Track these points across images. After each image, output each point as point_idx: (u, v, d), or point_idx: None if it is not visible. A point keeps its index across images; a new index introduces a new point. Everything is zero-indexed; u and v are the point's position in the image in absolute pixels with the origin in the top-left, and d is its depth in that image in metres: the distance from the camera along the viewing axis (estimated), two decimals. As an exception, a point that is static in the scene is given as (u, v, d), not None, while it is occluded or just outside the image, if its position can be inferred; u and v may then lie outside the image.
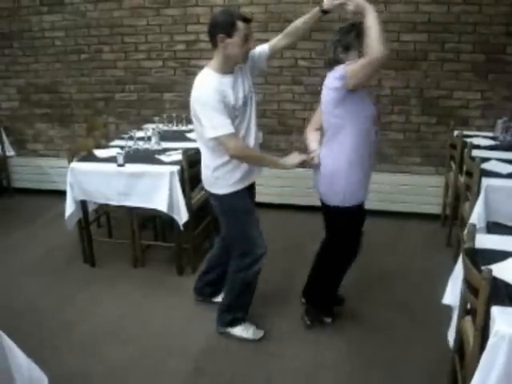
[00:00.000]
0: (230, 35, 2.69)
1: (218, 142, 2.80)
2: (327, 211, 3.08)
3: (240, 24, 2.70)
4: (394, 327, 3.32)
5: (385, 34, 2.62)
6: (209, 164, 2.98)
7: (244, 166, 2.96)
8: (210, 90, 2.73)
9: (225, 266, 3.35)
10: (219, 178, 2.96)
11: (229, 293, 3.25)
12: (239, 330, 3.28)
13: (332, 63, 2.86)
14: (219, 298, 3.50)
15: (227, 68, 2.81)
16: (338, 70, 2.76)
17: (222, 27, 2.69)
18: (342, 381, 2.88)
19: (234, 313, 3.26)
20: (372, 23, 2.59)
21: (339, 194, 2.94)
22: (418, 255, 4.27)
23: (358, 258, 3.21)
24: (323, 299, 3.37)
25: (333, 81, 2.79)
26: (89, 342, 3.25)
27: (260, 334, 3.29)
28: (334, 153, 2.92)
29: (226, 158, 2.87)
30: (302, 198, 5.05)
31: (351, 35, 2.79)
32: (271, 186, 5.04)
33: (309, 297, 3.41)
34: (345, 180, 2.90)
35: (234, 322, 3.28)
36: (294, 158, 3.03)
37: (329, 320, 3.36)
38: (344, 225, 3.07)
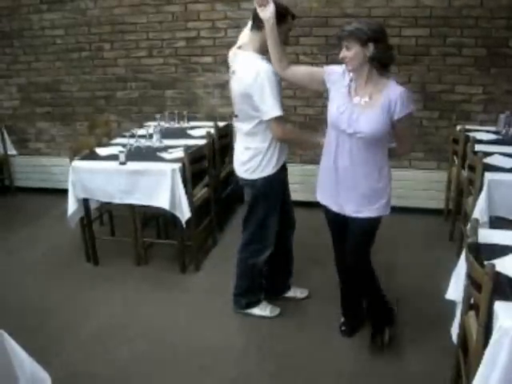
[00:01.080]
0: (279, 24, 2.78)
1: (268, 124, 2.89)
2: None
3: (289, 18, 2.88)
4: (396, 322, 3.30)
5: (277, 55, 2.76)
6: (258, 148, 3.02)
7: (280, 145, 3.05)
8: (267, 71, 2.81)
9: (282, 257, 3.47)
10: (264, 160, 3.03)
11: (240, 278, 3.38)
12: (257, 310, 3.44)
13: None
14: (291, 293, 3.61)
15: (264, 51, 2.90)
16: None
17: (275, 15, 2.76)
18: (346, 376, 2.87)
19: (248, 297, 3.42)
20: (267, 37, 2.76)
21: None
22: (421, 250, 4.26)
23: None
24: None
25: None
26: (92, 340, 3.25)
27: (276, 311, 3.45)
28: None
29: (271, 139, 2.98)
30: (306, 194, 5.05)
31: None
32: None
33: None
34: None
35: (250, 304, 3.44)
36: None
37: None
38: None
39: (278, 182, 3.13)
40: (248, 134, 3.04)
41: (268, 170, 3.05)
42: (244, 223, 3.28)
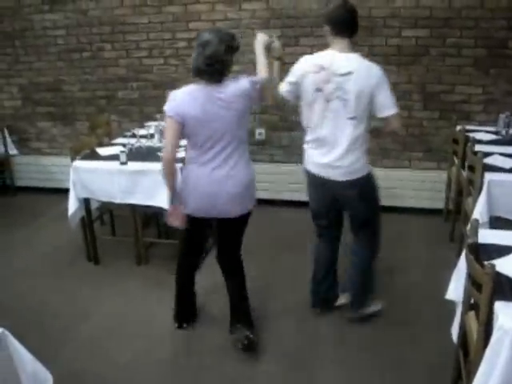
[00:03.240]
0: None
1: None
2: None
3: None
4: (396, 322, 3.33)
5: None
6: (363, 147, 3.02)
7: None
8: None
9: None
10: (363, 159, 3.05)
11: (362, 281, 3.33)
12: (374, 306, 3.41)
13: None
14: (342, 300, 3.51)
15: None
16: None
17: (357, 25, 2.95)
18: (342, 375, 2.89)
19: (368, 296, 3.39)
20: None
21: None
22: (421, 250, 4.27)
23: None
24: None
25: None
26: (93, 339, 3.27)
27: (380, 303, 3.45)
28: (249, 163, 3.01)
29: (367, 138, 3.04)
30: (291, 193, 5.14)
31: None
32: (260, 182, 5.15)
33: None
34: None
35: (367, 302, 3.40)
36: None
37: None
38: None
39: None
40: (359, 135, 2.95)
41: (367, 165, 3.09)
42: (360, 224, 3.22)
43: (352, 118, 2.90)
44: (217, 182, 2.83)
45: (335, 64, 2.87)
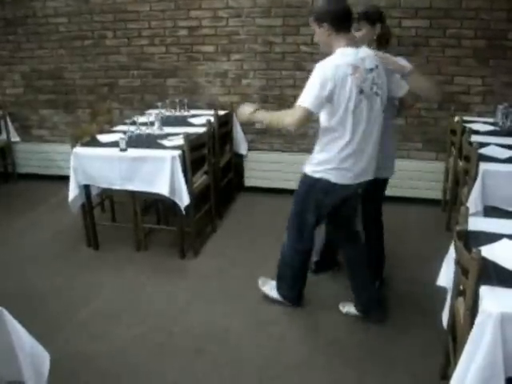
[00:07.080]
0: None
1: None
2: None
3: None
4: (392, 310, 3.36)
5: None
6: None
7: None
8: None
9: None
10: None
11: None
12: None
13: None
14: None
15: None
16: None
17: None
18: (336, 363, 2.93)
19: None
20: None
21: None
22: (418, 240, 4.31)
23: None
24: None
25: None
26: (92, 323, 3.32)
27: None
28: None
29: None
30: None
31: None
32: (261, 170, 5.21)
33: None
34: None
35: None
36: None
37: None
38: None
39: None
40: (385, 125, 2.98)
41: None
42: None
43: (384, 111, 2.90)
44: None
45: (364, 60, 2.73)
